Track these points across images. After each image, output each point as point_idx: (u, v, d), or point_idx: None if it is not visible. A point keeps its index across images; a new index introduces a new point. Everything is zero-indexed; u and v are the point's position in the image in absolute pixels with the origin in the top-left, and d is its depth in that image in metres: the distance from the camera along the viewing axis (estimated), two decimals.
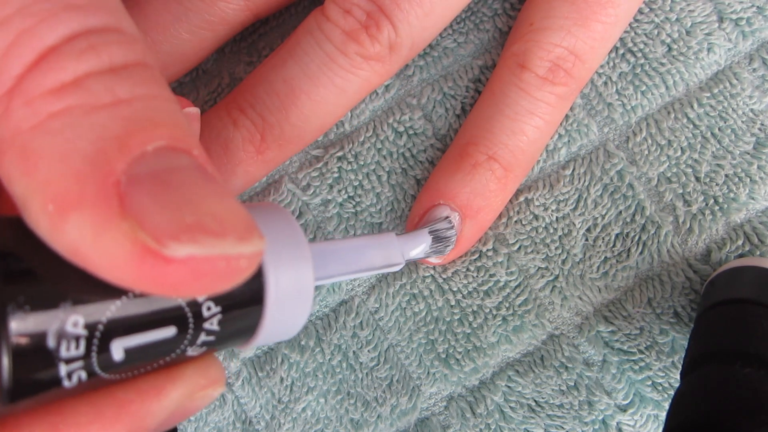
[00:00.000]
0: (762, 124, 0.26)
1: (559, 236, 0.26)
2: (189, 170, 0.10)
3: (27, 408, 0.11)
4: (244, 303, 0.12)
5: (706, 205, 0.26)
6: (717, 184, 0.26)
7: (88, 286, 0.10)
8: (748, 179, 0.26)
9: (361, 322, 0.28)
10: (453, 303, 0.27)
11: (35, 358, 0.10)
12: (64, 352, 0.10)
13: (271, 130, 0.24)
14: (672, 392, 0.26)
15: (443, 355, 0.27)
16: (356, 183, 0.28)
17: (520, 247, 0.27)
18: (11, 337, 0.09)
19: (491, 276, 0.27)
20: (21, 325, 0.10)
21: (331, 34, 0.23)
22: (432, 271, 0.27)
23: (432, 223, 0.24)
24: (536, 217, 0.27)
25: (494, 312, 0.27)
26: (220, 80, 0.28)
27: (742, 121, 0.26)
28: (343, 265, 0.17)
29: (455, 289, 0.27)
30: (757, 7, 0.26)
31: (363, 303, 0.28)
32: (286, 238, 0.13)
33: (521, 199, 0.27)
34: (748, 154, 0.26)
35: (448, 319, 0.27)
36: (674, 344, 0.26)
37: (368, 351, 0.28)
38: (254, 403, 0.28)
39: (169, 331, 0.11)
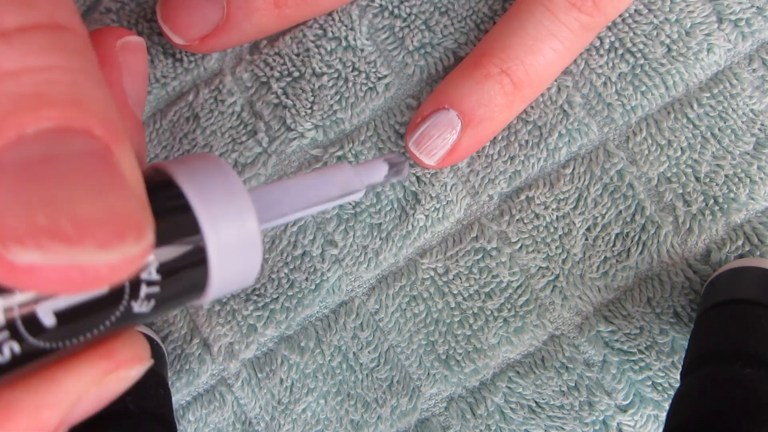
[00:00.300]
0: (762, 125, 0.26)
1: (560, 235, 0.26)
2: (76, 158, 0.09)
3: None
4: (183, 255, 0.12)
5: (706, 205, 0.26)
6: (717, 185, 0.26)
7: None
8: (748, 179, 0.26)
9: (361, 323, 0.28)
10: (453, 305, 0.27)
11: None
12: None
13: None
14: (672, 392, 0.26)
15: (443, 357, 0.27)
16: None
17: (521, 246, 0.27)
18: None
19: (494, 277, 0.27)
20: None
21: None
22: (432, 273, 0.27)
23: (381, 156, 0.24)
24: (537, 216, 0.27)
25: (495, 314, 0.27)
26: (222, 78, 0.28)
27: (742, 122, 0.26)
28: (295, 202, 0.16)
29: (455, 291, 0.27)
30: (757, 7, 0.26)
31: (363, 304, 0.28)
32: (221, 188, 0.12)
33: (522, 197, 0.27)
34: (748, 154, 0.26)
35: (448, 321, 0.27)
36: (674, 344, 0.26)
37: (368, 352, 0.27)
38: (254, 404, 0.28)
39: (99, 290, 0.11)
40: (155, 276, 0.11)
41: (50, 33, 0.09)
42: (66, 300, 0.10)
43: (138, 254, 0.09)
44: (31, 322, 0.10)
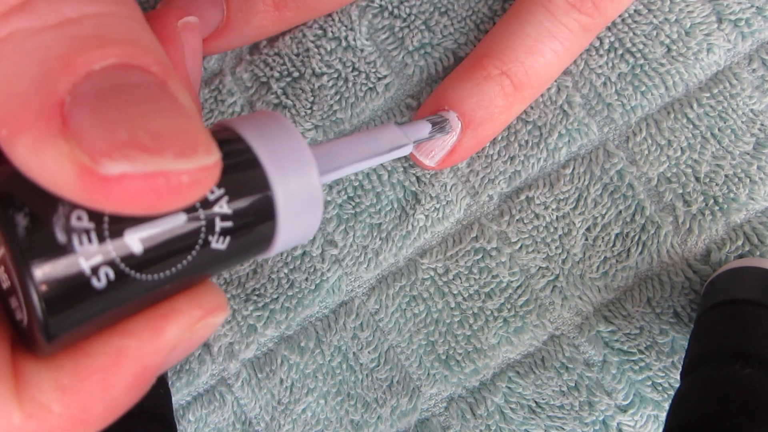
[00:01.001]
0: (762, 125, 0.26)
1: (560, 235, 0.26)
2: (139, 87, 0.10)
3: (72, 329, 0.11)
4: (254, 202, 0.12)
5: (706, 205, 0.26)
6: (717, 185, 0.26)
7: None
8: (748, 179, 0.26)
9: (361, 323, 0.28)
10: (453, 305, 0.27)
11: (55, 261, 0.10)
12: (77, 246, 0.10)
13: None
14: (672, 392, 0.26)
15: (443, 357, 0.27)
16: (356, 183, 0.27)
17: (521, 246, 0.27)
18: (22, 240, 0.10)
19: (494, 277, 0.27)
20: (24, 222, 0.10)
21: None
22: (432, 273, 0.27)
23: (428, 117, 0.24)
24: (537, 216, 0.27)
25: (495, 314, 0.27)
26: (222, 78, 0.28)
27: (742, 122, 0.26)
28: (350, 156, 0.17)
29: (456, 291, 0.27)
30: (756, 7, 0.26)
31: (363, 304, 0.28)
32: (286, 143, 0.13)
33: (522, 197, 0.27)
34: (748, 154, 0.26)
35: (448, 321, 0.27)
36: (674, 344, 0.26)
37: (368, 352, 0.27)
38: (254, 404, 0.28)
39: (179, 218, 0.11)
40: (227, 210, 0.12)
41: None
42: (151, 228, 0.11)
43: (211, 164, 0.10)
44: (122, 246, 0.11)
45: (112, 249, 0.11)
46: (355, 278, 0.28)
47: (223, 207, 0.12)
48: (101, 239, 0.10)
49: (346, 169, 0.17)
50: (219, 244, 0.12)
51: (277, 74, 0.28)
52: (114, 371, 0.11)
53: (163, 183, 0.10)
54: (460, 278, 0.27)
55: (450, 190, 0.27)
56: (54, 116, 0.09)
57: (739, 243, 0.26)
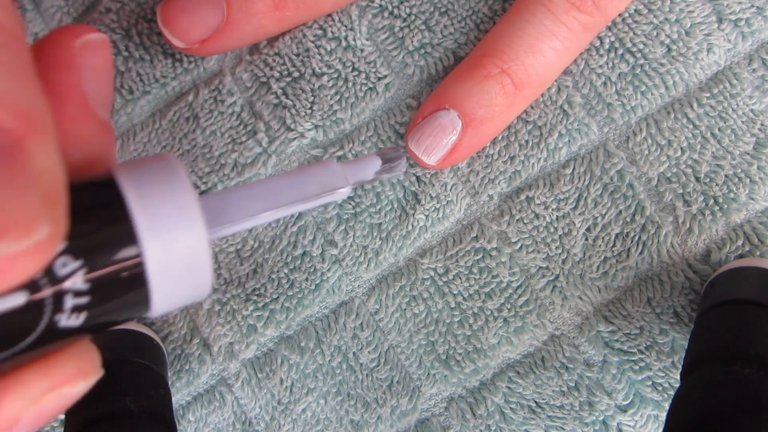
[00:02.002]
0: (762, 124, 0.26)
1: (560, 235, 0.26)
2: None
3: None
4: (117, 265, 0.11)
5: (706, 205, 0.26)
6: (717, 185, 0.26)
7: None
8: (748, 179, 0.26)
9: (361, 323, 0.28)
10: (453, 305, 0.27)
11: None
12: None
13: None
14: (672, 392, 0.26)
15: (443, 357, 0.27)
16: None
17: (521, 246, 0.27)
18: None
19: (494, 277, 0.27)
20: None
21: None
22: (432, 273, 0.27)
23: (377, 151, 0.23)
24: (537, 216, 0.27)
25: (495, 314, 0.27)
26: (221, 78, 0.28)
27: (742, 122, 0.26)
28: (269, 200, 0.15)
29: (456, 291, 0.27)
30: (757, 7, 0.26)
31: (363, 304, 0.28)
32: (166, 194, 0.11)
33: (522, 197, 0.27)
34: (748, 154, 0.26)
35: (448, 321, 0.27)
36: (674, 344, 0.26)
37: (368, 352, 0.27)
38: (254, 404, 0.28)
39: (18, 299, 0.10)
40: (81, 286, 0.11)
41: None
42: None
43: (21, 250, 0.09)
44: None
45: None
46: (355, 278, 0.28)
47: (77, 283, 0.10)
48: None
49: (252, 220, 0.14)
50: (71, 321, 0.11)
51: (277, 74, 0.28)
52: None
53: None
54: (460, 278, 0.27)
55: (450, 190, 0.27)
56: None
57: (739, 243, 0.26)
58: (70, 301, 0.10)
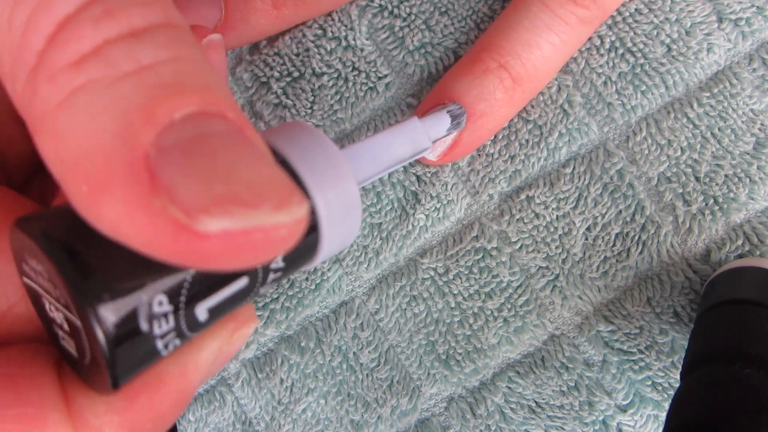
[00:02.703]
0: (762, 124, 0.26)
1: (560, 235, 0.26)
2: (222, 136, 0.10)
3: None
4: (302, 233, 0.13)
5: (706, 205, 0.26)
6: (717, 184, 0.26)
7: (159, 263, 0.10)
8: (748, 179, 0.26)
9: (361, 323, 0.28)
10: (453, 305, 0.27)
11: (134, 345, 0.10)
12: (157, 331, 0.10)
13: None
14: (672, 392, 0.26)
15: (443, 356, 0.27)
16: None
17: (521, 246, 0.27)
18: (108, 333, 0.10)
19: (494, 277, 0.27)
20: (112, 318, 0.10)
21: None
22: (432, 273, 0.27)
23: (443, 107, 0.24)
24: (537, 216, 0.27)
25: (495, 314, 0.27)
26: None
27: (742, 121, 0.26)
28: (375, 165, 0.17)
29: (456, 291, 0.27)
30: (757, 7, 0.26)
31: (363, 304, 0.28)
32: (322, 155, 0.13)
33: (522, 196, 0.27)
34: (748, 154, 0.26)
35: (448, 321, 0.27)
36: (674, 344, 0.26)
37: (368, 352, 0.27)
38: (254, 404, 0.28)
39: (242, 282, 0.12)
40: (281, 262, 0.12)
41: (169, 30, 0.10)
42: (218, 297, 0.11)
43: (303, 216, 0.10)
44: (192, 319, 0.11)
45: (184, 324, 0.11)
46: (355, 278, 0.28)
47: (279, 262, 0.12)
48: (177, 319, 0.11)
49: (372, 179, 0.17)
50: (266, 289, 0.13)
51: (277, 74, 0.28)
52: (159, 390, 0.12)
53: (262, 238, 0.09)
54: (460, 278, 0.27)
55: (450, 189, 0.27)
56: (141, 172, 0.09)
57: (739, 243, 0.26)
58: (271, 276, 0.12)
